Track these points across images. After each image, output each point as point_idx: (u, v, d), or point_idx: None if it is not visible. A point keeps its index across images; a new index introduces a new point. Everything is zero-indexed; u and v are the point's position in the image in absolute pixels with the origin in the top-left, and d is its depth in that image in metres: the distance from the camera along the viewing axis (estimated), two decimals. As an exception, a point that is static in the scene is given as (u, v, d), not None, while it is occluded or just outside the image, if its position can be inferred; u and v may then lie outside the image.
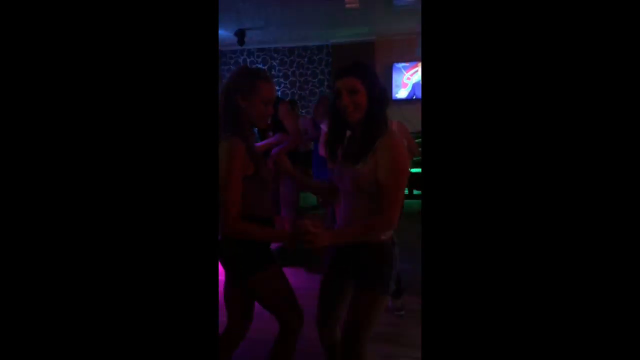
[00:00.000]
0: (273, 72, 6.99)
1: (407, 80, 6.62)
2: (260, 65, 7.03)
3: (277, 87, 6.95)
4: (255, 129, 1.75)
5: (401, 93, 6.63)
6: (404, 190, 1.37)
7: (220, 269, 1.43)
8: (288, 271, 1.65)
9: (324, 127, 2.56)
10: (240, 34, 5.47)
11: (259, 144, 1.67)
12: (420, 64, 6.42)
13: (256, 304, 1.62)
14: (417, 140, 3.05)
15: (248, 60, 7.09)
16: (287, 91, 7.07)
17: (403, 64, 6.58)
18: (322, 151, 2.89)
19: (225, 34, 5.66)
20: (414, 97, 6.53)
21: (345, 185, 1.44)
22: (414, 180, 4.60)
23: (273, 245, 1.63)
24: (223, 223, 1.38)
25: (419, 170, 4.71)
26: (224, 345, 1.63)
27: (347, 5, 4.51)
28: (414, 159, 3.62)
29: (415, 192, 5.19)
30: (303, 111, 6.89)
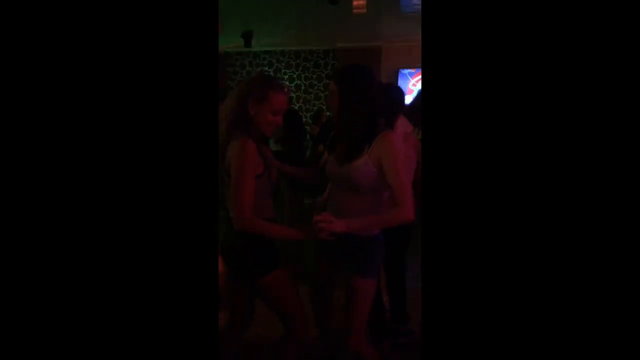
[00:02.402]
0: (278, 75, 7.01)
1: (412, 87, 6.63)
2: (265, 68, 7.05)
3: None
4: None
5: (406, 99, 6.63)
6: (410, 182, 1.39)
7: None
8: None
9: None
10: (247, 36, 5.50)
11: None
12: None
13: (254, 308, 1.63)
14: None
15: (254, 62, 7.11)
16: (293, 94, 7.08)
17: (409, 71, 6.59)
18: None
19: (232, 35, 5.68)
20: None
21: (334, 180, 1.54)
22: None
23: None
24: (238, 219, 1.40)
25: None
26: (223, 343, 1.63)
27: (355, 10, 4.52)
28: None
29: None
30: (308, 114, 6.90)
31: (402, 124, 2.11)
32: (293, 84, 7.10)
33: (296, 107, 6.93)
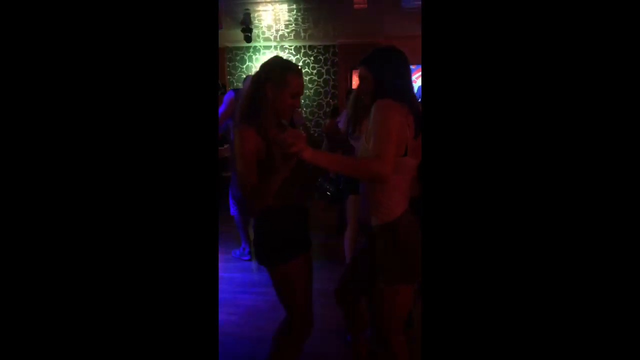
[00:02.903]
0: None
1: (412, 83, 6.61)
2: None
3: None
4: None
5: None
6: (393, 142, 1.29)
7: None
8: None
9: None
10: (248, 31, 5.47)
11: None
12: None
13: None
14: None
15: (254, 57, 7.08)
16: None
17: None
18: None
19: (232, 30, 5.66)
20: (419, 100, 6.51)
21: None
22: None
23: None
24: (247, 203, 1.42)
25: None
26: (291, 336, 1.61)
27: (356, 6, 4.50)
28: None
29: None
30: (307, 110, 6.89)
31: None
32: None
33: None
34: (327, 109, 6.87)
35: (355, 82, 6.44)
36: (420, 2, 4.49)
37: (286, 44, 6.95)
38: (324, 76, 7.00)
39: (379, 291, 1.46)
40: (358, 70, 1.50)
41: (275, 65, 1.48)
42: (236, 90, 3.30)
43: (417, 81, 6.63)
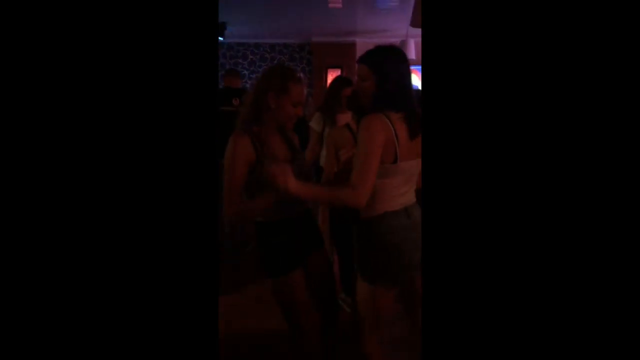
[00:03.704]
0: (253, 68, 6.92)
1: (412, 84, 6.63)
2: (240, 60, 6.95)
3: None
4: None
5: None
6: (373, 170, 1.28)
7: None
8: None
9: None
10: (221, 27, 5.39)
11: None
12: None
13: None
14: None
15: (228, 54, 6.99)
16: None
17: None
18: None
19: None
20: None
21: None
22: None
23: None
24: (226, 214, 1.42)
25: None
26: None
27: (330, 5, 4.50)
28: None
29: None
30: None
31: None
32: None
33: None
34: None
35: (329, 79, 6.45)
36: (394, 4, 4.53)
37: (260, 41, 6.89)
38: (299, 74, 6.97)
39: (357, 284, 1.47)
40: (357, 68, 1.42)
41: (276, 74, 1.48)
42: None
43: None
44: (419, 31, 5.62)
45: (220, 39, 5.46)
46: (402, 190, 1.42)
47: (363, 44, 6.62)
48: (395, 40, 6.40)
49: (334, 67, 6.53)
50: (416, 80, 6.77)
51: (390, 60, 1.37)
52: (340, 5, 4.51)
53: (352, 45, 6.60)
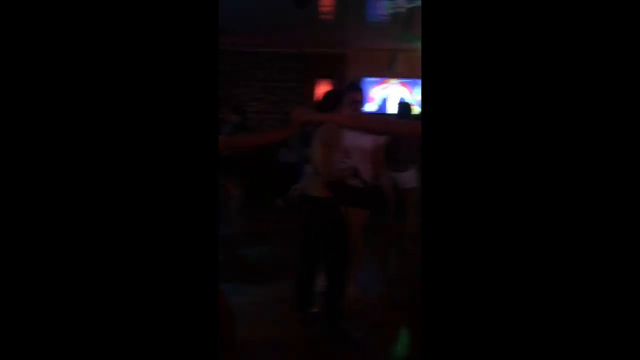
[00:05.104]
0: (243, 76, 6.91)
1: (373, 95, 6.68)
2: (227, 68, 6.94)
3: (247, 91, 6.88)
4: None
5: (369, 108, 6.70)
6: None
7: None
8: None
9: None
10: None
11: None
12: (389, 81, 6.57)
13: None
14: None
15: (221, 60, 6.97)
16: (259, 95, 6.99)
17: (373, 79, 6.65)
18: None
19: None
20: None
21: None
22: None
23: None
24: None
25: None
26: None
27: (321, 16, 4.54)
28: None
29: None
30: (273, 116, 6.84)
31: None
32: (259, 85, 7.00)
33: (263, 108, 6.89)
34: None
35: (318, 91, 6.47)
36: (385, 16, 4.59)
37: (250, 49, 6.89)
38: (287, 83, 6.97)
39: None
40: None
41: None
42: None
43: (382, 92, 6.75)
44: (408, 44, 5.70)
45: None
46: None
47: (353, 56, 6.67)
48: (383, 54, 6.47)
49: (325, 77, 6.57)
50: (403, 93, 6.87)
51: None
52: (332, 17, 4.56)
53: (342, 56, 6.64)
